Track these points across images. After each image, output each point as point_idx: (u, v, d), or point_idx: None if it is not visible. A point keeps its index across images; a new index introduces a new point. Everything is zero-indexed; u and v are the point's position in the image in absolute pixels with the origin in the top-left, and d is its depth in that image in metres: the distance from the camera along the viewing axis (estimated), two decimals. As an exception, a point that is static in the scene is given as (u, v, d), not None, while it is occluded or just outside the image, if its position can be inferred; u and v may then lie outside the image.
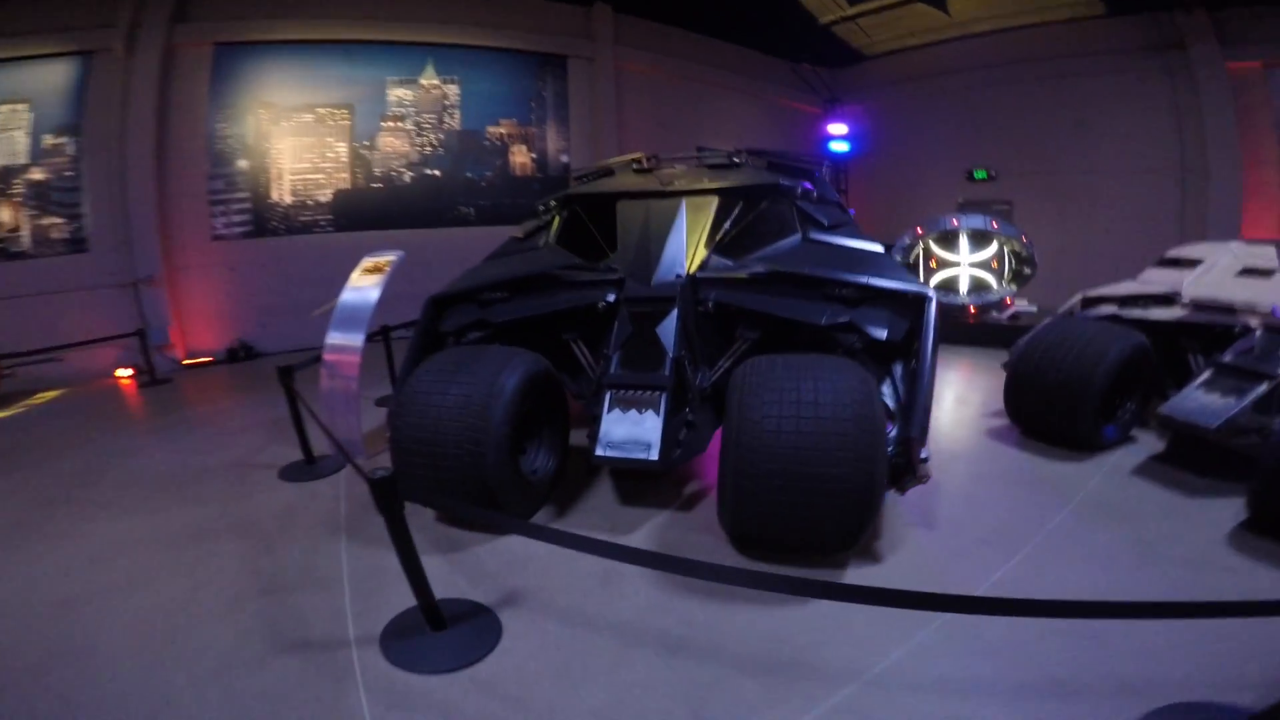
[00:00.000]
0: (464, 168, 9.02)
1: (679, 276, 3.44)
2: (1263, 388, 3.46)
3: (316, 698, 2.06)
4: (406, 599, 2.34)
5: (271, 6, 7.89)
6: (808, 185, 4.12)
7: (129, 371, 7.08)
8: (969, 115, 11.17)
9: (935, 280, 7.90)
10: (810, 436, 2.44)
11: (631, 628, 2.40)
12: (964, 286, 7.87)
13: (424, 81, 8.72)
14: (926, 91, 11.51)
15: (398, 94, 8.61)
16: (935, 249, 7.95)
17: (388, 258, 3.88)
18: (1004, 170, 10.98)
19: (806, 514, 2.52)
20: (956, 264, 7.87)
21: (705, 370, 3.40)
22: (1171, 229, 9.20)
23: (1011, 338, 6.49)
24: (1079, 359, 3.94)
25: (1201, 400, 3.66)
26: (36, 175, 7.12)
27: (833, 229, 3.87)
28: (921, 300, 3.11)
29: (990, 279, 7.79)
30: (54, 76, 7.09)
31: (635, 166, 4.84)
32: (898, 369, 3.23)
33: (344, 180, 8.41)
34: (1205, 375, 3.79)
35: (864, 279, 3.22)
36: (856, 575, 2.71)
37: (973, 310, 7.76)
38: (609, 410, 3.01)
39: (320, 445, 4.03)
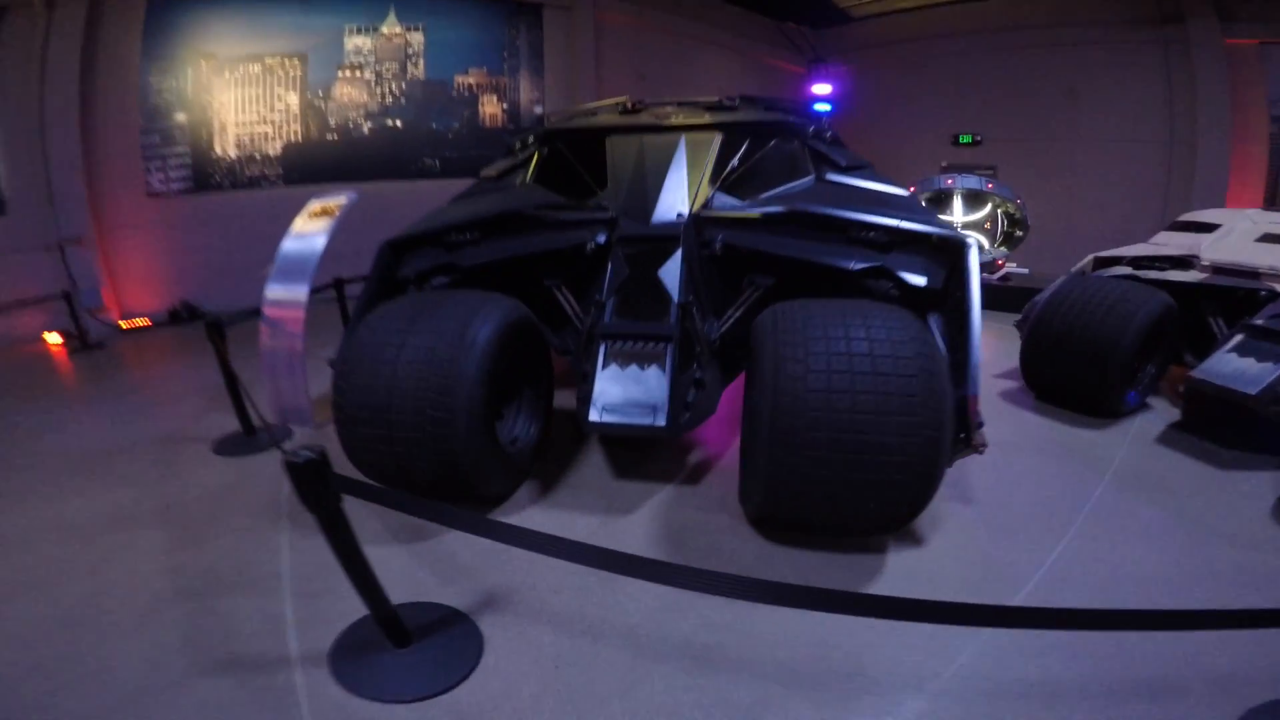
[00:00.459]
0: (429, 118, 8.60)
1: (681, 216, 2.98)
2: None
3: (247, 735, 1.61)
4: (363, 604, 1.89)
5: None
6: (819, 123, 3.68)
7: (58, 337, 6.44)
8: (956, 80, 11.09)
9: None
10: (867, 398, 1.99)
11: (644, 635, 1.98)
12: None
13: (385, 29, 8.27)
14: (913, 55, 11.37)
15: (356, 42, 8.17)
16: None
17: (337, 200, 3.32)
18: (989, 136, 11.01)
19: (856, 493, 2.09)
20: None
21: (713, 321, 2.97)
22: (1156, 199, 9.45)
23: (1004, 299, 6.34)
24: (1106, 320, 3.76)
25: (1237, 365, 3.51)
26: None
27: (850, 170, 3.45)
28: (960, 246, 2.72)
29: (983, 240, 7.57)
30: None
31: (621, 109, 4.33)
32: (932, 323, 2.83)
33: (295, 132, 7.97)
34: (1236, 339, 3.63)
35: (895, 221, 2.81)
36: (898, 561, 2.36)
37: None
38: (604, 366, 2.54)
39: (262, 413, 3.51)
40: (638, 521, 2.66)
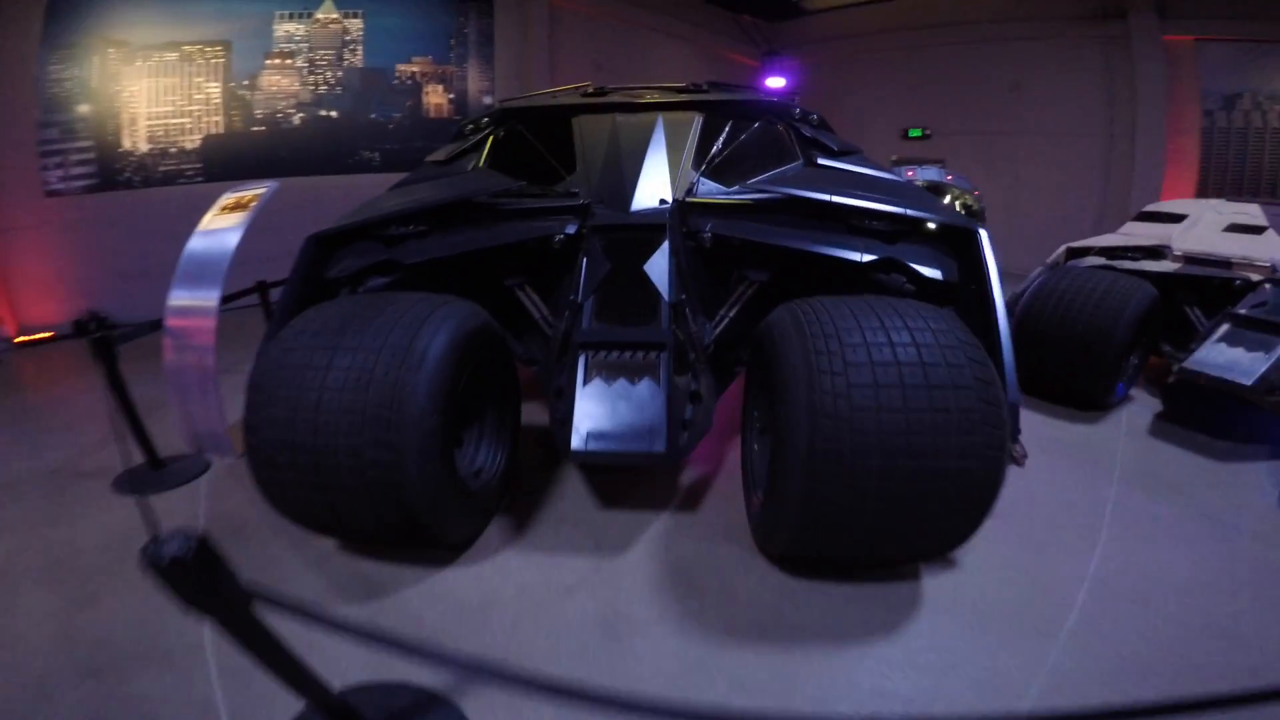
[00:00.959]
0: (367, 109, 8.05)
1: (665, 202, 2.64)
2: None
3: None
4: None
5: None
6: (801, 107, 3.41)
7: (-63, 356, 5.65)
8: (905, 74, 11.16)
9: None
10: (922, 415, 1.68)
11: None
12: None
13: (320, 15, 7.72)
14: (864, 48, 11.40)
15: (287, 29, 7.59)
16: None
17: (255, 191, 2.83)
18: (938, 129, 11.12)
19: (908, 525, 1.79)
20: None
21: (704, 323, 2.64)
22: (1095, 188, 9.74)
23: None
24: (1097, 311, 3.68)
25: (1229, 355, 3.49)
26: None
27: (841, 155, 3.19)
28: (970, 235, 2.48)
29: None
30: None
31: (584, 94, 3.95)
32: None
33: (216, 124, 7.34)
34: (1224, 329, 3.62)
35: (903, 209, 2.54)
36: (936, 589, 2.11)
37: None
38: (586, 381, 2.11)
39: (171, 443, 3.01)
40: (636, 562, 2.30)
